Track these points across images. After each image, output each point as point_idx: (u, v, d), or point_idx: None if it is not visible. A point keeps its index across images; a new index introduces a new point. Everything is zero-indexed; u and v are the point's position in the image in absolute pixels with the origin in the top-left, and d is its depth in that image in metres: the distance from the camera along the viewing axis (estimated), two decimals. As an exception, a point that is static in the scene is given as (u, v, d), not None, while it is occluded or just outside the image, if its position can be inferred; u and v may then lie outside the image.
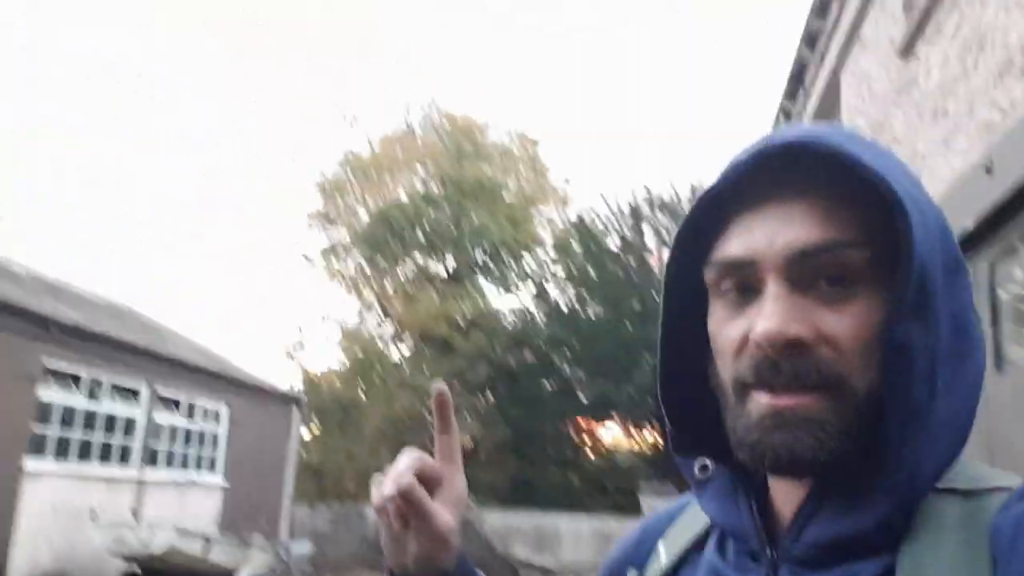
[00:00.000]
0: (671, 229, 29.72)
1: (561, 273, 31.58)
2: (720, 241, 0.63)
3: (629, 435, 31.90)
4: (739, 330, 0.61)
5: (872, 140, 0.63)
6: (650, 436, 30.84)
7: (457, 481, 0.80)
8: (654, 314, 24.37)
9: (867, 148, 0.60)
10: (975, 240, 5.25)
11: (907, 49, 6.66)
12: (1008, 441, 4.87)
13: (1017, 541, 0.53)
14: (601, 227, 30.23)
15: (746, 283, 0.62)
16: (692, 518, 0.78)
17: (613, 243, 30.19)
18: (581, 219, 30.64)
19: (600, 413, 29.20)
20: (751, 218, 0.61)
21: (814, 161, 0.58)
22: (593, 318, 29.57)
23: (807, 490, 0.63)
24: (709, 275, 0.64)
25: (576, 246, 30.73)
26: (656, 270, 29.96)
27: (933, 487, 0.59)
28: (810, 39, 9.65)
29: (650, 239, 30.02)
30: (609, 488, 30.40)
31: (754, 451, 0.60)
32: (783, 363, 0.58)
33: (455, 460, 0.81)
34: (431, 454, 0.81)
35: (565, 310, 30.76)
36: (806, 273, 0.59)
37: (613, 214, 29.89)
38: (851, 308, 0.58)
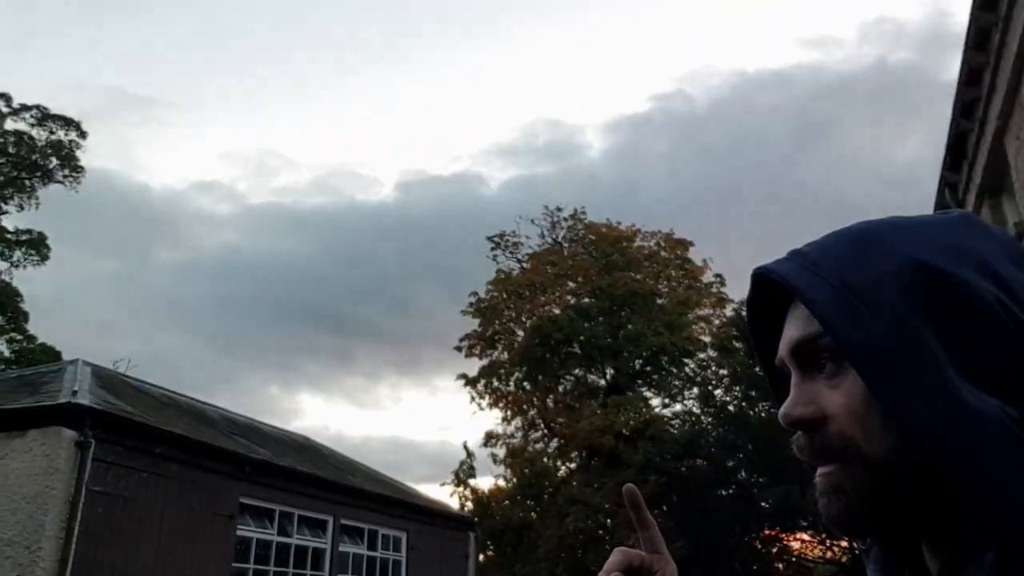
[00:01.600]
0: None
1: (724, 373, 30.71)
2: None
3: (822, 543, 29.76)
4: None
5: (828, 244, 0.70)
6: (847, 543, 28.65)
7: (668, 570, 0.87)
8: None
9: (823, 256, 0.68)
10: None
11: None
12: None
13: None
14: (761, 322, 29.38)
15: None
16: None
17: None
18: (739, 314, 29.90)
19: (786, 521, 27.49)
20: (787, 320, 0.72)
21: None
22: (764, 417, 28.36)
23: (943, 557, 0.65)
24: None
25: (736, 343, 29.93)
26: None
27: None
28: (965, 109, 9.32)
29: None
30: (806, 602, 28.26)
31: (822, 516, 0.68)
32: (802, 440, 0.68)
33: (661, 550, 0.88)
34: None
35: (732, 411, 29.72)
36: (809, 361, 0.68)
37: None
38: (843, 385, 0.65)
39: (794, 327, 0.69)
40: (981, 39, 8.24)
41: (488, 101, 61.96)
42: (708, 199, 50.83)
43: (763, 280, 0.73)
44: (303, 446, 18.55)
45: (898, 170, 56.68)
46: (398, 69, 62.70)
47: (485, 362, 33.06)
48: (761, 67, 63.82)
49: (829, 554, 30.26)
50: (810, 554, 30.46)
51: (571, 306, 32.32)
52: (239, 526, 13.06)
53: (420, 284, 52.57)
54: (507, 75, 61.61)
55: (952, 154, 10.24)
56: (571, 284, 33.61)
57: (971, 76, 8.80)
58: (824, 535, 29.20)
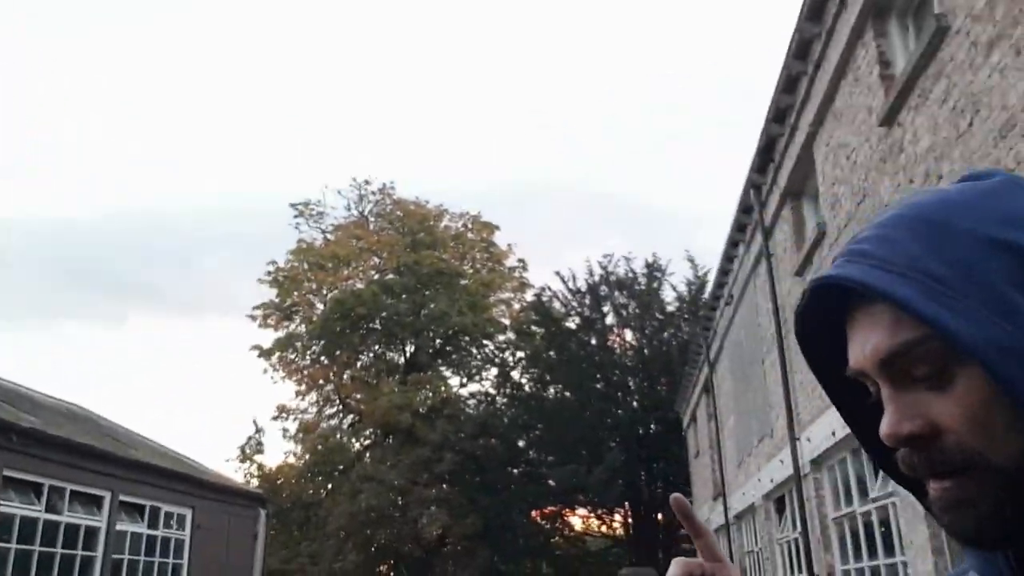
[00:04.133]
0: (630, 306, 30.03)
1: (521, 356, 31.48)
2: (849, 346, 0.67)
3: (600, 520, 31.39)
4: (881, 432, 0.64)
5: (889, 236, 0.62)
6: (622, 519, 30.41)
7: (729, 573, 0.85)
8: (619, 393, 24.24)
9: (897, 253, 0.61)
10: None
11: (889, 118, 6.92)
12: None
13: None
14: (560, 307, 30.36)
15: (876, 387, 0.64)
16: None
17: (573, 323, 30.29)
18: (539, 299, 30.74)
19: (570, 498, 28.70)
20: (853, 327, 0.65)
21: None
22: (556, 400, 29.40)
23: None
24: (861, 380, 0.66)
25: (535, 327, 30.75)
26: (618, 348, 30.10)
27: None
28: (779, 115, 10.00)
29: (611, 317, 30.25)
30: None
31: (942, 526, 0.63)
32: (914, 457, 0.61)
33: (719, 556, 0.86)
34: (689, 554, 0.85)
35: (527, 393, 30.55)
36: (903, 372, 0.61)
37: (572, 293, 30.07)
38: (955, 392, 0.59)
39: (876, 336, 0.62)
40: (802, 49, 8.86)
41: (301, 64, 59.38)
42: (516, 188, 51.98)
43: (821, 289, 0.65)
44: (78, 415, 16.85)
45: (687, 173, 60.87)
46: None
47: (281, 334, 31.79)
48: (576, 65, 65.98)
49: (604, 528, 32.10)
50: (587, 529, 32.11)
51: (375, 281, 31.77)
52: (1, 501, 11.63)
53: (211, 249, 49.77)
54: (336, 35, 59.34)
55: (761, 157, 10.98)
56: (376, 259, 33.04)
57: (788, 84, 9.45)
58: (601, 511, 30.98)
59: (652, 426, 28.47)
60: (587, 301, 30.08)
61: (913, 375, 0.60)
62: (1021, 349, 0.55)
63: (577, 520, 31.74)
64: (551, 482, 27.57)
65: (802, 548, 10.62)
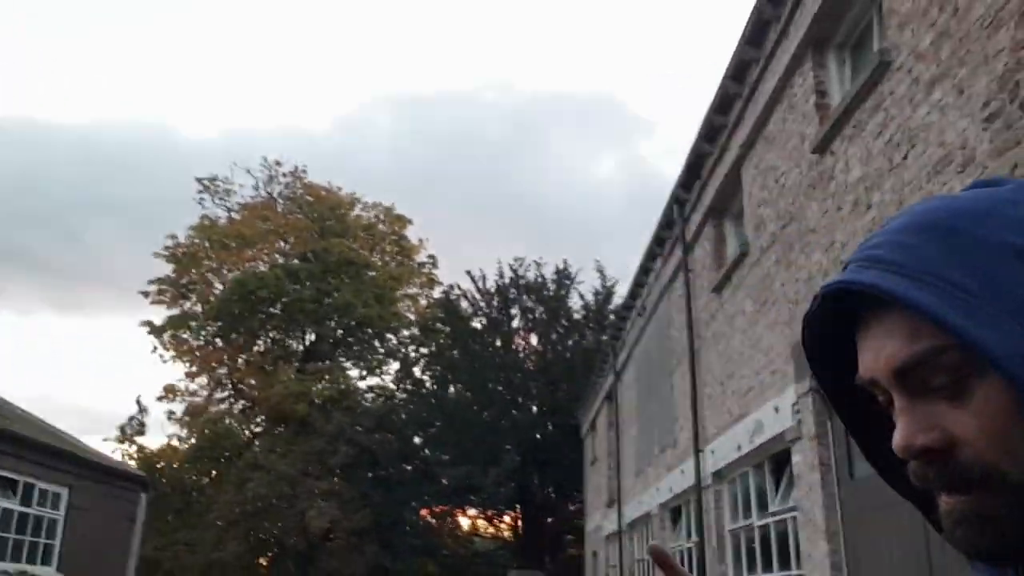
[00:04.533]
0: (537, 311, 30.24)
1: (424, 352, 31.23)
2: (859, 354, 0.64)
3: (490, 521, 31.42)
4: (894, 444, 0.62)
5: (904, 241, 0.60)
6: (511, 521, 30.53)
7: None
8: (520, 396, 24.22)
9: (915, 260, 0.59)
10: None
11: (822, 146, 7.15)
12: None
13: None
14: (467, 306, 30.29)
15: (886, 396, 0.63)
16: None
17: (479, 323, 30.26)
18: (447, 296, 30.58)
19: (462, 498, 28.62)
20: (865, 333, 0.63)
21: None
22: (456, 399, 29.28)
23: None
24: (870, 390, 0.64)
25: (440, 325, 30.56)
26: (522, 352, 30.26)
27: None
28: (710, 133, 10.22)
29: (518, 320, 30.37)
30: (469, 576, 29.65)
31: (952, 542, 0.61)
32: (928, 470, 0.59)
33: None
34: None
35: (428, 391, 30.32)
36: (919, 382, 0.59)
37: (480, 293, 30.05)
38: (973, 404, 0.57)
39: (892, 344, 0.60)
40: (740, 71, 9.07)
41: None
42: (428, 182, 51.60)
43: (833, 295, 0.63)
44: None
45: (592, 186, 61.90)
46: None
47: (175, 312, 30.55)
48: (487, 65, 66.13)
49: (492, 530, 32.17)
50: (475, 529, 32.11)
51: (280, 265, 30.91)
52: None
53: (98, 217, 47.39)
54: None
55: (688, 173, 11.20)
56: (282, 243, 32.17)
57: (723, 104, 9.67)
58: (491, 512, 31.03)
59: (550, 430, 28.71)
60: (495, 302, 30.12)
61: (929, 385, 0.58)
62: None
63: (465, 520, 31.74)
64: (444, 481, 27.43)
65: (696, 557, 10.87)
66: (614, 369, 18.00)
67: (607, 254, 65.34)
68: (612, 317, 30.41)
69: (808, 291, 7.37)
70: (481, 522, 31.75)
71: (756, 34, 8.53)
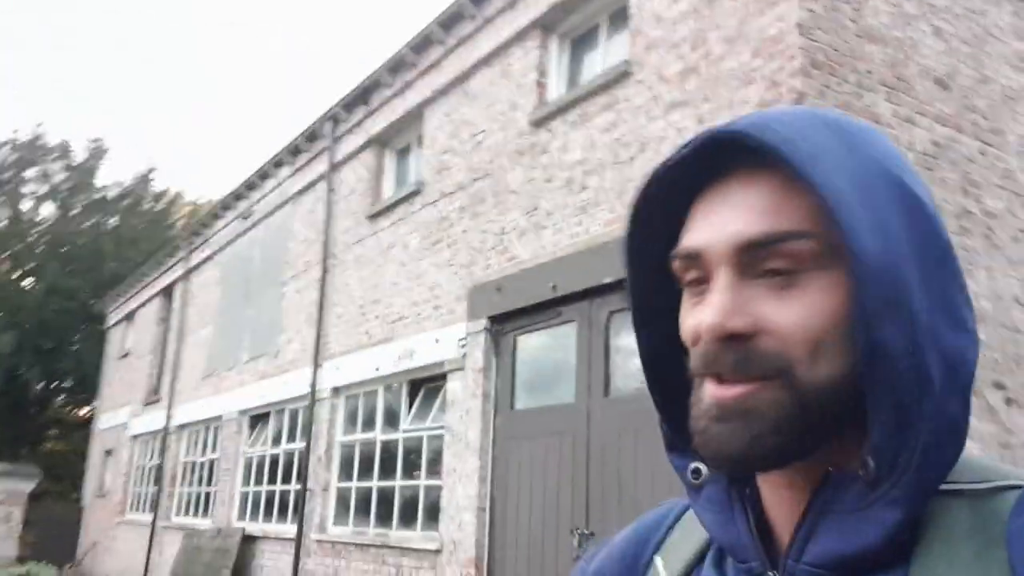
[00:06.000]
0: (56, 177, 26.53)
1: None
2: (685, 231, 0.63)
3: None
4: (696, 320, 0.60)
5: (843, 125, 0.61)
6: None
7: None
8: (20, 269, 21.47)
9: (812, 135, 0.58)
10: (601, 291, 6.88)
11: (541, 122, 8.08)
12: (612, 451, 6.54)
13: None
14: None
15: (703, 274, 0.61)
16: (691, 528, 0.73)
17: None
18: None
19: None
20: (707, 208, 0.61)
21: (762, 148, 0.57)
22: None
23: (805, 501, 0.60)
24: (675, 267, 0.63)
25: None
26: (35, 221, 26.28)
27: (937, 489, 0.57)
28: (396, 65, 10.48)
29: (34, 185, 26.22)
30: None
31: (699, 443, 0.60)
32: (725, 354, 0.57)
33: None
34: None
35: None
36: (754, 263, 0.58)
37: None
38: (798, 298, 0.57)
39: (748, 220, 0.58)
40: (451, 21, 9.53)
41: None
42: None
43: (707, 145, 0.60)
44: None
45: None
46: None
47: None
48: None
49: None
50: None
51: None
52: None
53: None
54: None
55: (357, 97, 11.25)
56: None
57: (421, 44, 10.01)
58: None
59: (59, 315, 25.61)
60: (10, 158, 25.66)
61: (762, 268, 0.58)
62: (891, 273, 0.54)
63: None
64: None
65: (297, 463, 11.31)
66: (187, 265, 17.03)
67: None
68: (157, 204, 28.20)
69: (498, 242, 8.31)
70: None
71: (482, -5, 9.09)
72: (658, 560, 0.73)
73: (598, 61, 8.04)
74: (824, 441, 0.58)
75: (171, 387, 16.46)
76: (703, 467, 0.66)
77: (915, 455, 0.55)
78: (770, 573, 0.62)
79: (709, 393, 0.59)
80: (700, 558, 0.71)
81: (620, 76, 7.24)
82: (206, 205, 26.21)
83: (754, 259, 0.58)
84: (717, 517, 0.65)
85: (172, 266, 17.97)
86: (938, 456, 0.57)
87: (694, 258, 0.61)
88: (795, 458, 0.58)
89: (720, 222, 0.60)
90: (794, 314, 0.57)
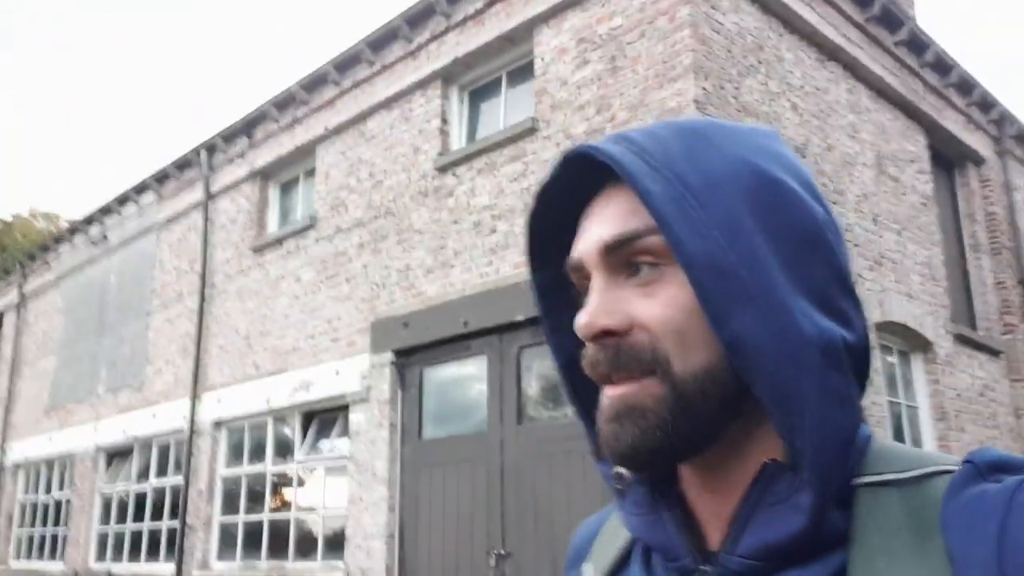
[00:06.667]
0: None
1: None
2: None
3: None
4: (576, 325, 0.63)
5: (700, 131, 0.64)
6: None
7: None
8: None
9: (653, 147, 0.61)
10: (512, 328, 7.52)
11: (447, 168, 8.59)
12: (527, 475, 7.17)
13: (971, 534, 0.51)
14: None
15: (586, 283, 0.65)
16: (614, 531, 0.75)
17: None
18: None
19: None
20: (586, 221, 0.65)
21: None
22: None
23: (737, 495, 0.61)
24: (573, 280, 0.67)
25: None
26: None
27: (859, 478, 0.58)
28: (285, 102, 10.62)
29: None
30: None
31: (602, 445, 0.62)
32: (601, 352, 0.60)
33: None
34: None
35: None
36: (619, 264, 0.62)
37: None
38: (661, 292, 0.60)
39: (608, 224, 0.62)
40: (347, 64, 9.85)
41: None
42: None
43: (572, 163, 0.65)
44: None
45: None
46: None
47: None
48: None
49: None
50: None
51: None
52: None
53: None
54: None
55: (238, 129, 11.25)
56: None
57: (314, 83, 10.25)
58: None
59: None
60: None
61: (629, 264, 0.61)
62: (730, 269, 0.56)
63: None
64: None
65: (181, 498, 11.03)
66: (20, 290, 15.92)
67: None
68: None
69: (401, 279, 8.72)
70: None
71: (381, 43, 9.47)
72: (585, 568, 0.75)
73: (498, 114, 8.68)
74: (720, 430, 0.60)
75: (3, 421, 15.31)
76: (625, 471, 0.66)
77: (811, 433, 0.56)
78: (702, 567, 0.62)
79: (604, 396, 0.62)
80: (624, 559, 0.72)
81: (526, 132, 7.91)
82: (45, 226, 24.30)
83: (618, 260, 0.62)
84: (644, 519, 0.66)
85: (1, 291, 16.73)
86: (834, 430, 0.57)
87: (579, 269, 0.65)
88: (692, 450, 0.60)
89: (589, 231, 0.63)
90: (658, 309, 0.59)
